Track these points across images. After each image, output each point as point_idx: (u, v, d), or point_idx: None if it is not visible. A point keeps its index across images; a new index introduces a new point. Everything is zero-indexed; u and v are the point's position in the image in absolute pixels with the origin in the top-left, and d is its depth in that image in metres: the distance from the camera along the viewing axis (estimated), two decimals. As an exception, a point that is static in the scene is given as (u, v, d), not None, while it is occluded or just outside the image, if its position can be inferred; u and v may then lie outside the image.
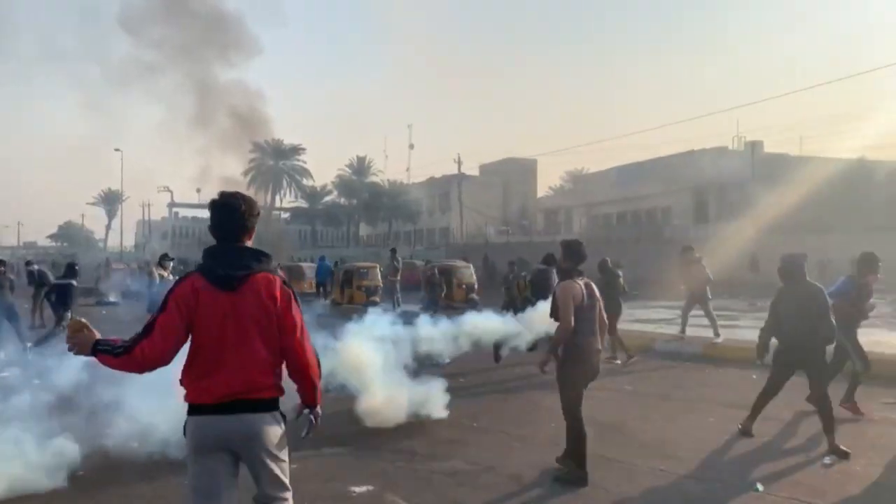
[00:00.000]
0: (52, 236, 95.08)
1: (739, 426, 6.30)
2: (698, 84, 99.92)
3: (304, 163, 65.00)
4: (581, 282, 5.06)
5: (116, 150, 63.07)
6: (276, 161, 62.97)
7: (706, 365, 10.29)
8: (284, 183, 63.98)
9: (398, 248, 25.43)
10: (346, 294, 22.16)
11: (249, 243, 2.90)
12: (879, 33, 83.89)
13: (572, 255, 5.16)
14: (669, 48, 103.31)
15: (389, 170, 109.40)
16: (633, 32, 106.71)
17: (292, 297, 2.86)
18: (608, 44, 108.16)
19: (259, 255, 2.85)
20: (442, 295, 16.88)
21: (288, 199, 66.22)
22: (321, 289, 24.79)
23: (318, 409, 3.01)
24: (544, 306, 6.35)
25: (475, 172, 60.34)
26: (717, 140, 64.60)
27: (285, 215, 72.45)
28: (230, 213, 2.87)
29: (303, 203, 65.92)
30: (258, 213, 2.95)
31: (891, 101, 75.99)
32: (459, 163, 51.73)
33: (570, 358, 4.98)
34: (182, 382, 2.79)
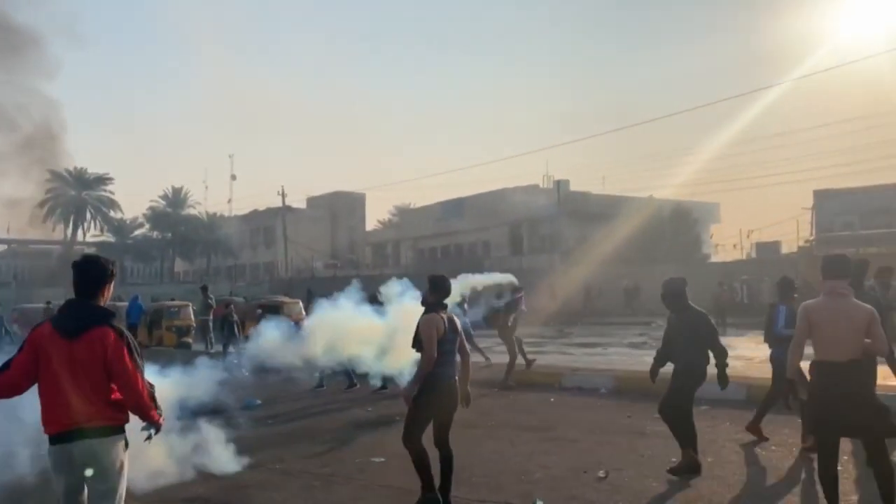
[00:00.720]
0: None
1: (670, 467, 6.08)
2: (515, 124, 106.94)
3: (112, 193, 60.14)
4: (444, 315, 5.23)
5: None
6: (79, 191, 57.74)
7: (511, 391, 10.88)
8: (88, 215, 58.68)
9: (216, 284, 24.28)
10: (155, 335, 20.73)
11: (105, 298, 3.51)
12: (662, 88, 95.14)
13: (438, 289, 5.32)
14: (493, 91, 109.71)
15: (210, 202, 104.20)
16: (458, 76, 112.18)
17: (126, 347, 3.41)
18: (434, 84, 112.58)
19: (99, 312, 3.44)
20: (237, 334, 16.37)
21: (92, 233, 60.73)
22: (135, 331, 22.86)
23: (159, 423, 3.62)
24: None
25: (303, 205, 59.41)
26: (532, 178, 69.36)
27: (90, 250, 66.34)
28: (84, 274, 3.49)
29: (110, 237, 60.74)
30: (112, 274, 3.55)
31: (682, 143, 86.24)
32: (283, 195, 50.74)
33: (425, 386, 5.12)
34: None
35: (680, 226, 37.25)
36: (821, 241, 29.04)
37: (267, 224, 58.31)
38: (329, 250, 57.51)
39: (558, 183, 43.62)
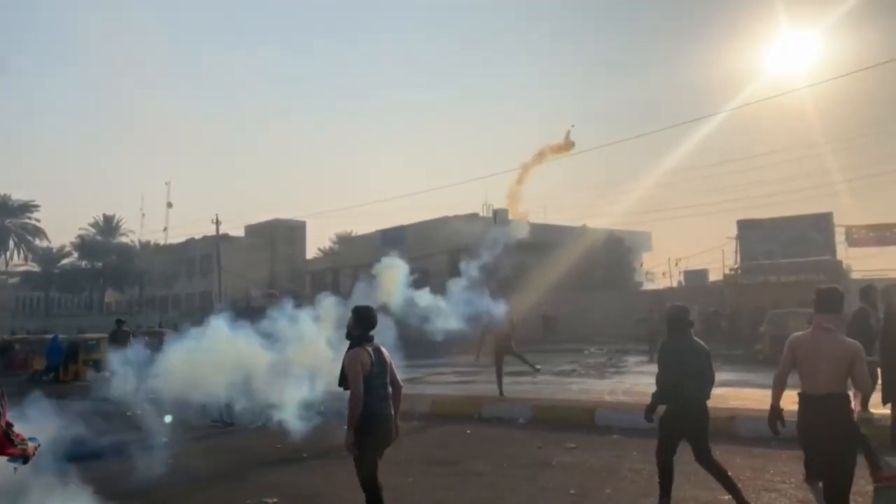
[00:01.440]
0: None
1: None
2: (457, 153, 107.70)
3: (38, 221, 57.83)
4: (370, 348, 4.99)
5: None
6: (2, 219, 55.35)
7: (431, 423, 10.75)
8: (12, 243, 56.22)
9: (148, 315, 23.32)
10: (71, 370, 19.80)
11: None
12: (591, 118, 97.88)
13: (362, 322, 5.07)
14: (436, 118, 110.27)
15: (146, 230, 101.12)
16: (401, 105, 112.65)
17: None
18: (370, 113, 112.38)
19: None
20: None
21: (15, 262, 58.13)
22: (56, 372, 21.08)
23: (24, 456, 3.67)
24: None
25: (241, 233, 58.31)
26: (472, 206, 69.88)
27: (13, 280, 63.40)
28: None
29: (34, 266, 58.24)
30: None
31: (619, 173, 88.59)
32: (217, 223, 49.62)
33: (361, 430, 4.86)
34: None
35: (613, 254, 38.04)
36: (745, 270, 30.04)
37: (203, 252, 56.96)
38: (268, 279, 56.45)
39: (496, 211, 44.05)
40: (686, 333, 5.56)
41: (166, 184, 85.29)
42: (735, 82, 79.24)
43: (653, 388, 5.68)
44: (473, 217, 47.70)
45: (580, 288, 34.29)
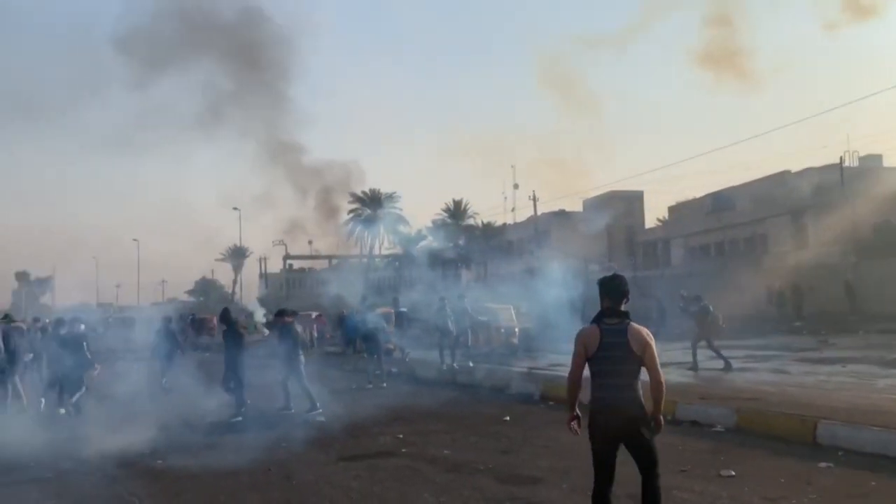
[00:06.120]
0: (189, 291, 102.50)
1: None
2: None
3: (401, 209, 67.35)
4: (607, 325, 4.67)
5: (235, 208, 68.08)
6: (375, 209, 65.80)
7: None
8: (381, 230, 66.49)
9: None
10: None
11: None
12: None
13: (601, 294, 4.81)
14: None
15: (494, 211, 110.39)
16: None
17: None
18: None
19: None
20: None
21: (385, 246, 68.62)
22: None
23: None
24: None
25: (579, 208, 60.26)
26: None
27: (380, 262, 74.84)
28: None
29: (398, 250, 68.11)
30: None
31: None
32: (535, 200, 51.14)
33: (590, 413, 4.78)
34: None
35: None
36: None
37: (543, 229, 60.37)
38: (606, 253, 57.26)
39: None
40: None
41: (512, 167, 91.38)
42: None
43: None
44: (828, 169, 40.92)
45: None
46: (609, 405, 4.55)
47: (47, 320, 16.70)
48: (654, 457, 4.61)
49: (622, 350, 4.54)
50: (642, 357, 4.54)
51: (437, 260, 65.88)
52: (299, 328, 12.50)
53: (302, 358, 11.68)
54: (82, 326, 12.23)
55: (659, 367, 4.63)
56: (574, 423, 4.78)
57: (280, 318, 12.18)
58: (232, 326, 12.11)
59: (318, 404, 11.27)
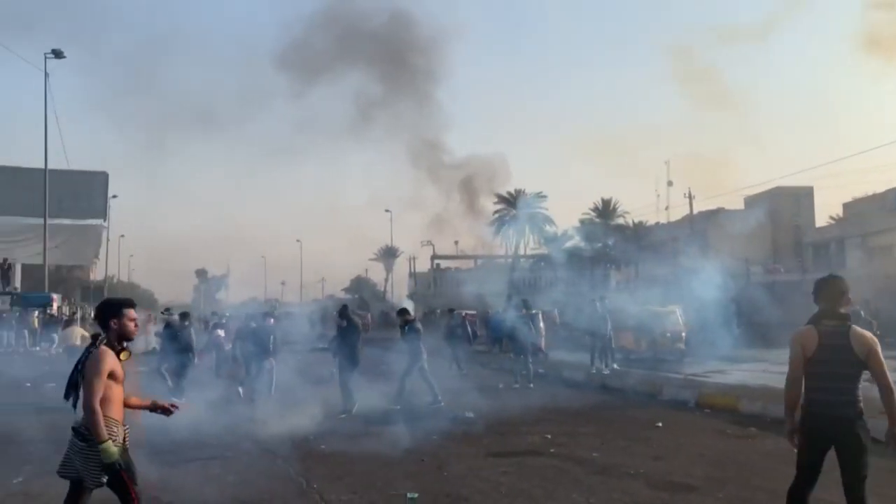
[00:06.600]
0: (345, 289, 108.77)
1: None
2: None
3: (546, 209, 66.89)
4: (825, 327, 4.51)
5: (387, 210, 71.26)
6: (521, 210, 65.81)
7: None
8: (527, 230, 66.36)
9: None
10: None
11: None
12: None
13: (815, 295, 4.71)
14: None
15: (646, 210, 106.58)
16: None
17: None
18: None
19: None
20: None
21: (531, 247, 68.43)
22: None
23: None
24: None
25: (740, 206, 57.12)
26: None
27: (526, 263, 74.69)
28: None
29: (545, 250, 67.65)
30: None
31: None
32: (691, 197, 48.77)
33: (802, 418, 4.63)
34: None
35: None
36: None
37: (699, 228, 57.45)
38: (770, 255, 53.61)
39: None
40: None
41: (665, 163, 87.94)
42: None
43: None
44: None
45: None
46: (825, 406, 4.39)
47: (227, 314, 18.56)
48: (863, 471, 4.33)
49: (843, 353, 4.35)
50: (865, 362, 4.32)
51: (584, 261, 64.98)
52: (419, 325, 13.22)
53: (424, 354, 12.46)
54: (272, 321, 13.58)
55: (887, 372, 4.34)
56: (794, 435, 4.56)
57: (404, 317, 12.95)
58: (350, 322, 12.66)
59: (440, 397, 12.03)
